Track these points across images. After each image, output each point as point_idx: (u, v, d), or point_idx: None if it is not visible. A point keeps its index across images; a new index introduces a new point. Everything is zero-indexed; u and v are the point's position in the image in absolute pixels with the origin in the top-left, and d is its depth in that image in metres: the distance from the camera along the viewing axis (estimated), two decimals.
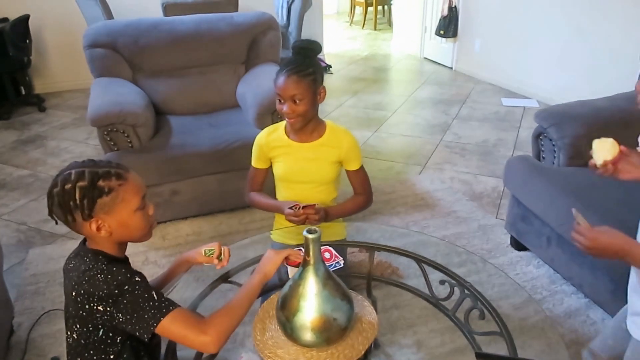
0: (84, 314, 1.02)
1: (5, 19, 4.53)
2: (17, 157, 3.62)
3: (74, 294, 1.03)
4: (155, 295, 1.01)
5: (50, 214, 1.06)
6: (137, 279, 1.02)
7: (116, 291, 0.98)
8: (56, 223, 1.09)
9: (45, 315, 2.03)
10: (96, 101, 2.41)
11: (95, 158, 1.13)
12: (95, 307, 1.00)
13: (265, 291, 1.43)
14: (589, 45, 4.01)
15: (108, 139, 2.37)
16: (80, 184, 1.01)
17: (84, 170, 1.03)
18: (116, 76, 2.80)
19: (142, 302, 0.99)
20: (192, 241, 2.53)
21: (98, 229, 1.05)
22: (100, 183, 1.02)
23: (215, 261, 1.31)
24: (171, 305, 1.01)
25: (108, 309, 0.99)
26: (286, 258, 1.25)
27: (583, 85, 4.06)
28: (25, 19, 4.42)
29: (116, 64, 2.82)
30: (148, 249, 2.47)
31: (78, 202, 1.01)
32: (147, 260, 2.38)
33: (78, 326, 1.06)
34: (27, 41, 4.47)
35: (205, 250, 1.31)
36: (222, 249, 1.32)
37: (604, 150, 1.19)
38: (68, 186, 1.01)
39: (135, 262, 2.35)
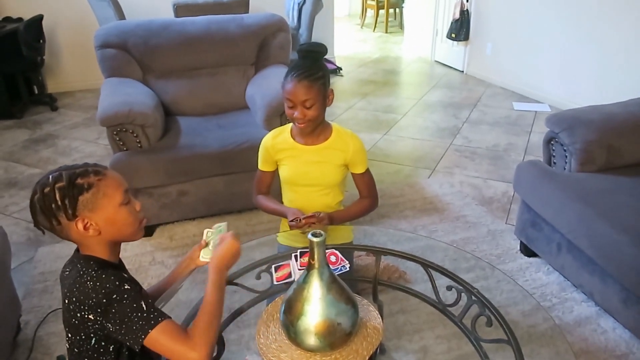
0: (76, 322, 1.01)
1: (20, 19, 4.58)
2: (29, 155, 3.66)
3: (66, 301, 1.02)
4: (144, 306, 0.99)
5: (36, 224, 1.05)
6: (126, 287, 1.00)
7: (104, 300, 0.97)
8: (43, 233, 1.08)
9: (52, 313, 2.03)
10: (106, 101, 2.42)
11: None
12: (86, 316, 0.99)
13: (270, 294, 1.42)
14: (602, 50, 3.97)
15: (117, 139, 2.38)
16: (58, 185, 1.01)
17: (61, 172, 1.04)
18: (126, 76, 2.81)
19: (130, 312, 0.97)
20: (199, 242, 2.52)
21: (85, 228, 1.04)
22: (79, 181, 1.02)
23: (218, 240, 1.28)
24: (160, 316, 0.99)
25: (98, 318, 0.98)
26: (301, 254, 1.23)
27: (595, 90, 4.02)
28: (39, 20, 4.47)
29: (126, 65, 2.83)
30: (155, 249, 2.47)
31: (60, 203, 1.01)
32: (154, 260, 2.39)
33: (70, 335, 1.05)
34: (41, 41, 4.52)
35: (207, 232, 1.32)
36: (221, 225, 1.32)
37: None
38: (47, 190, 1.01)
39: (143, 262, 2.36)
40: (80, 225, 1.03)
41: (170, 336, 0.98)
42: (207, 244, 1.34)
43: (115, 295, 0.97)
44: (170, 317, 1.01)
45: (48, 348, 1.88)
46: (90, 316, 0.99)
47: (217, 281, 1.11)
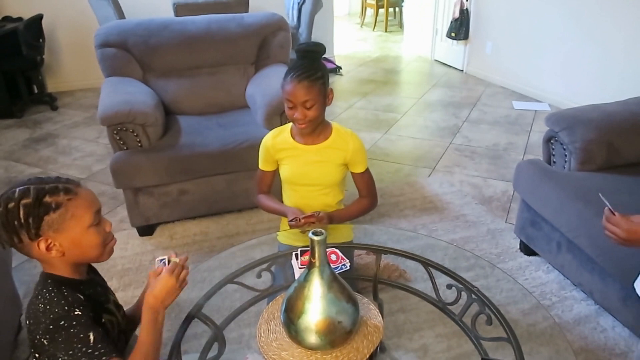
0: (38, 343, 0.96)
1: (20, 19, 4.58)
2: (29, 155, 3.66)
3: (27, 322, 0.98)
4: (91, 338, 0.94)
5: None
6: (76, 312, 0.94)
7: (51, 326, 0.93)
8: (4, 248, 1.00)
9: None
10: (106, 100, 2.42)
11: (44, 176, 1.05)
12: (41, 340, 0.94)
13: (271, 293, 1.43)
14: (602, 49, 3.97)
15: (117, 138, 2.38)
16: (24, 201, 0.94)
17: (29, 187, 0.96)
18: (127, 76, 2.81)
19: (76, 343, 0.93)
20: (199, 241, 2.53)
21: (48, 249, 0.98)
22: (47, 199, 0.96)
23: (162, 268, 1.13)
24: (105, 355, 0.94)
25: (47, 344, 0.94)
26: (302, 253, 1.18)
27: (595, 89, 4.02)
28: (38, 19, 4.47)
29: (127, 64, 2.83)
30: (155, 248, 2.48)
31: (22, 221, 0.94)
32: (155, 259, 2.38)
33: (37, 355, 0.99)
34: (41, 40, 4.52)
35: (157, 260, 1.16)
36: (177, 259, 1.15)
37: None
38: (11, 205, 0.94)
39: (143, 261, 2.37)
40: (42, 246, 0.97)
41: None
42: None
43: (62, 322, 0.93)
44: (117, 355, 0.97)
45: None
46: (44, 341, 0.94)
47: (152, 321, 1.03)
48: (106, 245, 1.07)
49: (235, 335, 1.84)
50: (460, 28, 5.49)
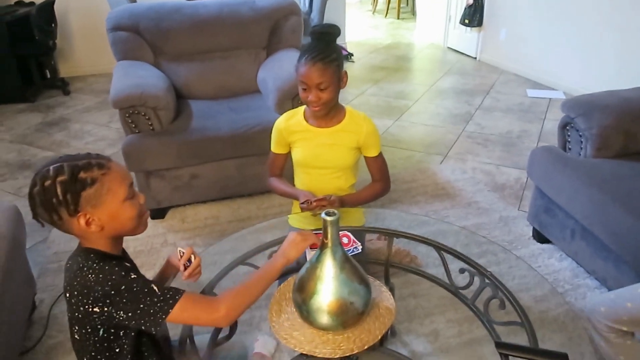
0: (80, 316, 0.98)
1: (32, 3, 4.59)
2: (42, 139, 3.69)
3: (67, 295, 1.00)
4: (156, 289, 0.97)
5: (35, 216, 1.00)
6: (132, 275, 0.98)
7: (112, 292, 0.94)
8: (42, 226, 1.02)
9: None
10: (118, 83, 2.42)
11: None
12: (91, 309, 0.96)
13: (283, 274, 1.42)
14: (618, 35, 3.89)
15: (129, 121, 2.38)
16: (60, 178, 0.95)
17: (62, 164, 0.97)
18: (138, 59, 2.81)
19: (143, 297, 0.96)
20: (210, 224, 2.54)
21: (87, 223, 0.99)
22: (82, 175, 0.97)
23: (181, 268, 1.19)
24: (177, 294, 0.99)
25: (105, 309, 0.95)
26: (312, 245, 1.20)
27: (611, 77, 3.95)
28: (51, 3, 4.47)
29: (138, 47, 2.83)
30: (167, 231, 2.49)
31: (61, 198, 0.95)
32: (166, 242, 2.40)
33: (77, 328, 1.02)
34: (53, 25, 4.53)
35: (179, 250, 1.20)
36: (193, 255, 1.19)
37: None
38: (47, 183, 0.95)
39: (155, 244, 2.38)
40: (82, 221, 0.99)
41: (191, 307, 0.99)
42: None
43: (123, 286, 0.95)
44: (184, 290, 1.01)
45: (62, 326, 1.91)
46: (96, 309, 0.96)
47: (270, 264, 1.13)
48: (141, 217, 1.09)
49: (246, 317, 1.85)
50: (474, 15, 5.41)
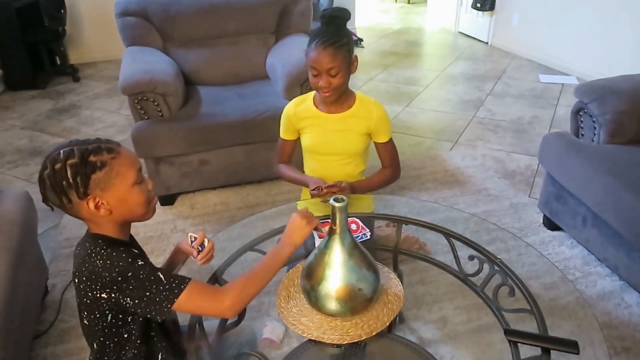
0: (88, 301, 1.00)
1: None
2: (52, 125, 3.71)
3: (76, 280, 1.01)
4: (162, 277, 0.98)
5: (45, 200, 1.01)
6: (139, 262, 0.98)
7: (119, 278, 0.95)
8: (52, 209, 1.04)
9: None
10: (127, 69, 2.42)
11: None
12: (98, 295, 0.97)
13: (291, 260, 1.43)
14: (633, 19, 3.80)
15: (139, 107, 2.38)
16: (70, 161, 0.97)
17: (73, 148, 0.98)
18: (147, 45, 2.80)
19: (149, 285, 0.96)
20: (219, 211, 2.55)
21: (97, 207, 1.00)
22: (92, 158, 0.98)
23: (195, 253, 1.21)
24: (182, 283, 0.99)
25: (113, 295, 0.96)
26: (316, 228, 1.19)
27: (626, 62, 3.87)
28: None
29: (147, 33, 2.82)
30: (176, 217, 2.50)
31: (71, 180, 0.96)
32: (176, 228, 2.42)
33: (86, 313, 1.03)
34: (62, 11, 4.53)
35: (190, 235, 1.22)
36: (205, 240, 1.21)
37: None
38: (58, 166, 0.96)
39: (164, 230, 2.40)
40: (91, 205, 0.99)
41: (197, 295, 0.99)
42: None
43: (130, 272, 0.96)
44: (191, 279, 1.01)
45: (74, 310, 1.91)
46: (104, 295, 0.97)
47: (276, 253, 1.12)
48: (150, 203, 1.09)
49: (255, 302, 1.85)
50: None
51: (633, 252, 1.80)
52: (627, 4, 3.85)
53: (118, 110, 3.97)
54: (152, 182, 1.11)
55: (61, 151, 0.98)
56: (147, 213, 1.10)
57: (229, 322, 1.25)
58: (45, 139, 3.49)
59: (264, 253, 1.42)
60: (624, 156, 1.94)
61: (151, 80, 2.32)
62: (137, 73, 2.36)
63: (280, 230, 1.49)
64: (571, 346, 0.99)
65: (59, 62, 4.90)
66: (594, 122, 2.10)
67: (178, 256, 1.28)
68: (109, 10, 3.39)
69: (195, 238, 1.20)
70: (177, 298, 0.97)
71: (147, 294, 0.96)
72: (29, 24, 4.38)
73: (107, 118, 3.82)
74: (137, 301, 0.96)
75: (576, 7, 4.32)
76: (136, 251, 1.03)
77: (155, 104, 2.38)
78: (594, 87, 2.12)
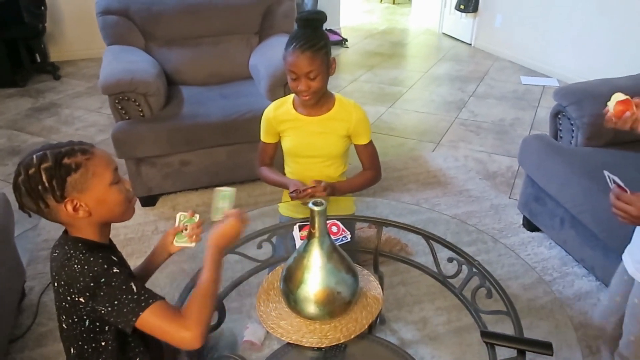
0: (67, 305, 0.99)
1: None
2: (32, 124, 3.65)
3: (55, 284, 0.99)
4: (134, 287, 0.95)
5: (21, 207, 0.99)
6: (114, 270, 0.96)
7: (92, 284, 0.94)
8: (29, 216, 1.02)
9: None
10: (107, 69, 2.39)
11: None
12: (77, 299, 0.96)
13: (272, 263, 1.43)
14: (613, 23, 3.88)
15: (119, 107, 2.36)
16: (44, 165, 0.95)
17: (45, 152, 0.97)
18: (128, 44, 2.77)
19: (119, 294, 0.94)
20: (201, 212, 2.49)
21: (75, 209, 0.99)
22: (66, 160, 0.97)
23: (184, 232, 1.22)
24: (151, 298, 0.95)
25: (89, 301, 0.95)
26: (300, 227, 1.19)
27: (606, 65, 3.94)
28: None
29: (129, 32, 2.79)
30: (158, 219, 2.48)
31: (47, 184, 0.95)
32: (157, 229, 2.40)
33: (64, 317, 1.02)
34: (42, 8, 4.46)
35: (180, 214, 1.24)
36: (196, 216, 1.23)
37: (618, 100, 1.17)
38: (32, 171, 0.95)
39: (145, 232, 2.37)
40: (69, 207, 0.98)
41: (162, 317, 0.94)
42: (183, 229, 1.25)
43: (103, 279, 0.94)
44: (162, 298, 0.98)
45: (52, 313, 1.91)
46: (81, 299, 0.96)
47: (214, 260, 1.06)
48: (130, 202, 1.09)
49: (236, 304, 1.85)
50: (469, 0, 5.36)
51: (609, 252, 1.84)
52: (607, 9, 3.92)
53: (99, 109, 3.92)
54: (129, 181, 1.10)
55: (34, 156, 0.97)
56: (127, 212, 1.09)
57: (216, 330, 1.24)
58: (24, 138, 3.43)
59: (245, 256, 1.42)
60: (601, 159, 1.98)
61: (132, 80, 2.29)
62: (118, 72, 2.33)
63: (262, 232, 1.49)
64: (545, 347, 1.01)
65: (38, 60, 4.82)
66: (572, 124, 2.13)
67: (155, 257, 1.26)
68: (90, 7, 3.34)
69: (185, 216, 1.23)
70: (142, 312, 0.94)
71: (116, 302, 0.94)
72: (8, 21, 4.30)
73: (88, 117, 3.77)
74: (109, 309, 0.95)
75: (557, 11, 4.39)
76: (115, 258, 1.02)
77: (137, 104, 2.36)
78: (573, 90, 2.16)
